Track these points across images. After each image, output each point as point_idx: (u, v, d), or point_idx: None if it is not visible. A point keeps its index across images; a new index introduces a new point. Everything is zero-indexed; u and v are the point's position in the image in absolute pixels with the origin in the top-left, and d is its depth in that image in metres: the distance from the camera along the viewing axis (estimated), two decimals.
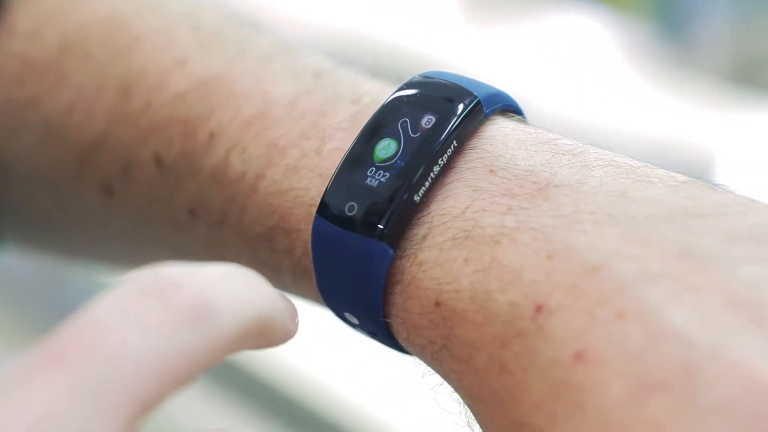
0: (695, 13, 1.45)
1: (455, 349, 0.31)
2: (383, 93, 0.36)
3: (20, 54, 0.42)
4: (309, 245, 0.34)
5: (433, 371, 0.33)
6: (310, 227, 0.34)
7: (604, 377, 0.27)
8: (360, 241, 0.32)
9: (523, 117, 0.35)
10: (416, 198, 0.32)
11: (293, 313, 0.31)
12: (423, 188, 0.32)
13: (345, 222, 0.33)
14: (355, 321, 0.34)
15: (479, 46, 1.52)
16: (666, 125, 1.31)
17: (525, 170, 0.32)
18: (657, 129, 1.30)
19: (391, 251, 0.32)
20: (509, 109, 0.35)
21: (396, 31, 1.56)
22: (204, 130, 0.38)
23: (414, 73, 0.36)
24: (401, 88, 0.35)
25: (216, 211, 0.37)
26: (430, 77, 0.35)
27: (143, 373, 0.25)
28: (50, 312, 1.39)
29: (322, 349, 1.11)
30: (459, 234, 0.32)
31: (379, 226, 0.32)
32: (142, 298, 0.26)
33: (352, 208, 0.33)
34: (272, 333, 0.29)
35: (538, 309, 0.29)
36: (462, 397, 0.32)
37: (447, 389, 0.33)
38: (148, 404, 0.25)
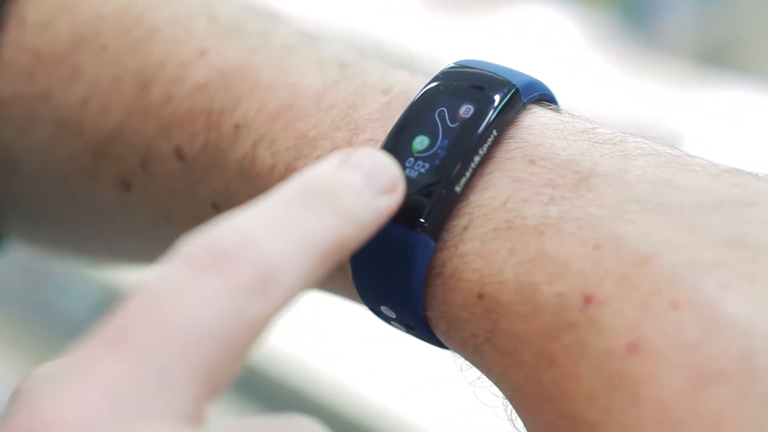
0: (659, 1, 1.46)
1: (499, 341, 0.31)
2: (414, 83, 0.35)
3: (31, 47, 0.41)
4: None
5: (470, 366, 0.33)
6: None
7: (661, 368, 0.27)
8: (401, 233, 0.32)
9: (558, 106, 0.35)
10: (457, 189, 0.32)
11: (387, 185, 0.30)
12: (464, 178, 0.32)
13: None
14: (392, 315, 0.34)
15: (444, 38, 1.52)
16: (634, 106, 1.32)
17: (565, 160, 0.32)
18: (625, 111, 1.31)
19: (432, 243, 0.32)
20: (544, 98, 0.35)
21: (359, 23, 1.55)
22: (229, 122, 0.37)
23: None
24: (436, 78, 0.34)
25: (243, 205, 0.37)
26: (464, 66, 0.35)
27: (210, 350, 0.24)
28: (41, 315, 1.38)
29: (347, 350, 1.10)
30: (501, 225, 0.31)
31: (420, 218, 0.32)
32: (200, 271, 0.25)
33: None
34: (349, 246, 0.29)
35: (588, 300, 0.29)
36: (504, 391, 0.32)
37: (486, 382, 0.33)
38: (218, 382, 0.25)
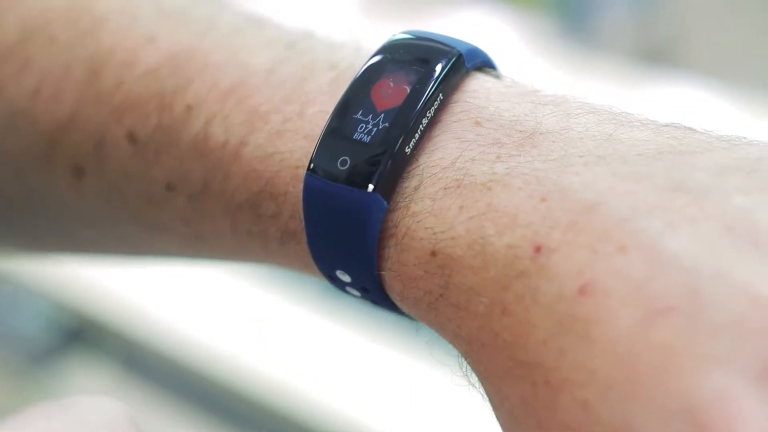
0: (595, 4, 1.47)
1: (453, 296, 0.32)
2: (359, 57, 0.36)
3: None
4: (297, 207, 0.35)
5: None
6: (298, 189, 0.34)
7: (611, 307, 0.28)
8: (354, 195, 0.33)
9: (498, 73, 0.36)
10: (407, 150, 0.33)
11: None
12: (413, 141, 0.33)
13: (338, 176, 0.33)
14: (347, 279, 0.34)
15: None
16: None
17: (510, 120, 0.33)
18: None
19: (385, 203, 0.33)
20: (486, 65, 0.36)
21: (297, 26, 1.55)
22: (181, 102, 0.38)
23: None
24: (381, 50, 0.35)
25: (197, 182, 0.37)
26: (409, 35, 0.36)
27: None
28: None
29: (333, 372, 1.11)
30: (450, 184, 0.32)
31: (373, 179, 0.32)
32: None
33: (345, 162, 0.33)
34: None
35: (537, 249, 0.30)
36: (459, 346, 0.32)
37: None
38: None
